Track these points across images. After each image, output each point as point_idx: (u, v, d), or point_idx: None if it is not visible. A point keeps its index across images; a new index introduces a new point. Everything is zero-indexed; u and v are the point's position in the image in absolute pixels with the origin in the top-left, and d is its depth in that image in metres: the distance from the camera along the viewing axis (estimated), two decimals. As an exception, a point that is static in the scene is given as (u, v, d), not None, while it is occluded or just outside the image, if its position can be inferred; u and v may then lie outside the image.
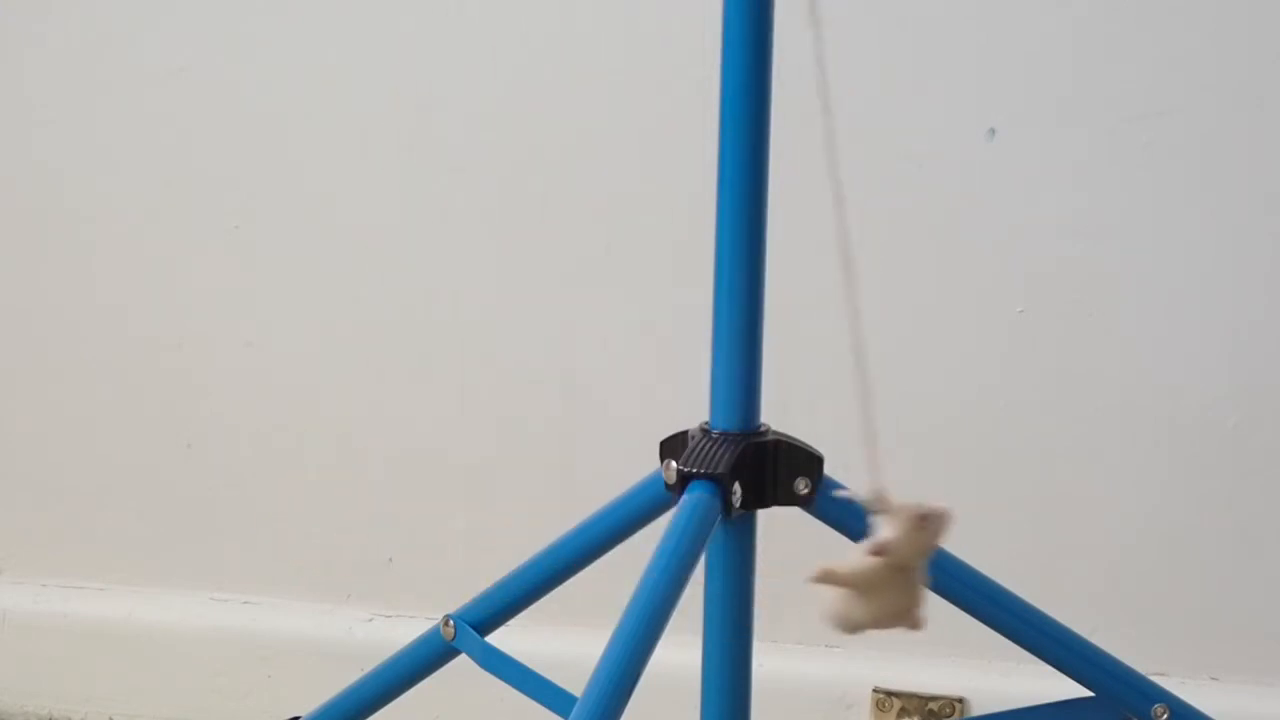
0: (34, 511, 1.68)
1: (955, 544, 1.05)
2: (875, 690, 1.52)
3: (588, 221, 1.53)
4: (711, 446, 0.98)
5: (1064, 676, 1.06)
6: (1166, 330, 1.45)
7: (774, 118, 0.99)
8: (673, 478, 0.98)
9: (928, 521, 0.87)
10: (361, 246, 1.58)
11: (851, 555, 0.86)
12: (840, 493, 0.97)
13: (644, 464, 1.02)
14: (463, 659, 1.11)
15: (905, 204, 1.47)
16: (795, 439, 1.00)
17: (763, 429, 1.00)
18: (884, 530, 0.86)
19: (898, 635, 1.52)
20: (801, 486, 1.00)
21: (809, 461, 1.00)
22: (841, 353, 1.50)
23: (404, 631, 1.24)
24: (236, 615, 1.65)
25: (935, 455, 1.50)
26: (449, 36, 1.53)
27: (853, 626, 0.88)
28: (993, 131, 1.45)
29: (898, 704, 1.51)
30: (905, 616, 0.88)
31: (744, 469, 0.98)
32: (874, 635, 1.53)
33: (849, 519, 1.02)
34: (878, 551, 0.85)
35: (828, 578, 0.87)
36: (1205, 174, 1.43)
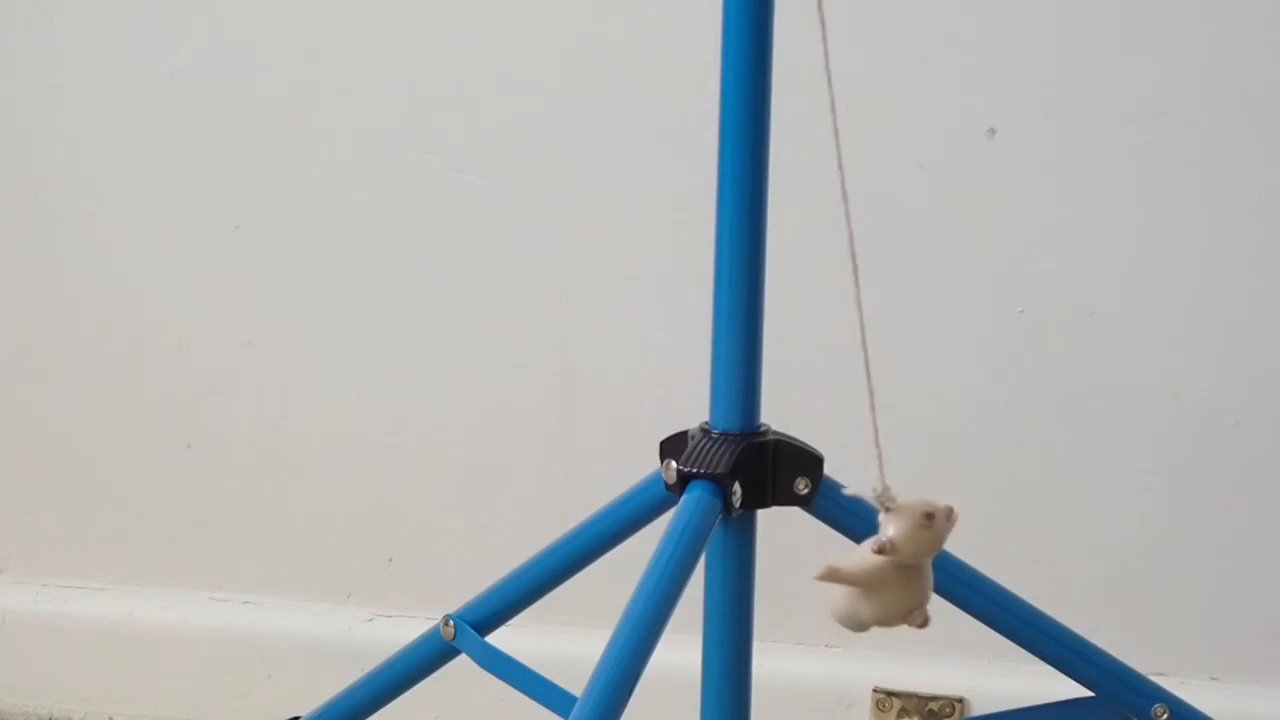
0: (34, 511, 1.68)
1: (955, 544, 1.05)
2: (875, 690, 1.52)
3: (588, 221, 1.53)
4: (711, 446, 0.99)
5: (1064, 676, 1.06)
6: (1166, 330, 1.45)
7: (774, 118, 0.99)
8: (673, 478, 0.98)
9: (933, 520, 0.86)
10: (362, 246, 1.58)
11: (856, 553, 0.86)
12: (848, 491, 0.97)
13: (644, 464, 1.02)
14: (463, 659, 1.11)
15: (905, 204, 1.48)
16: (795, 439, 1.00)
17: (763, 429, 1.00)
18: (889, 528, 0.85)
19: (897, 634, 1.52)
20: (801, 486, 1.00)
21: (809, 461, 1.00)
22: (842, 353, 1.51)
23: (404, 631, 1.24)
24: (236, 615, 1.65)
25: (935, 455, 1.50)
26: (449, 36, 1.54)
27: (859, 624, 0.88)
28: (993, 131, 1.45)
29: (898, 704, 1.51)
30: (911, 614, 0.88)
31: (744, 469, 0.98)
32: (874, 634, 1.53)
33: (849, 519, 1.02)
34: (883, 550, 0.85)
35: (833, 576, 0.86)
36: (1205, 174, 1.43)
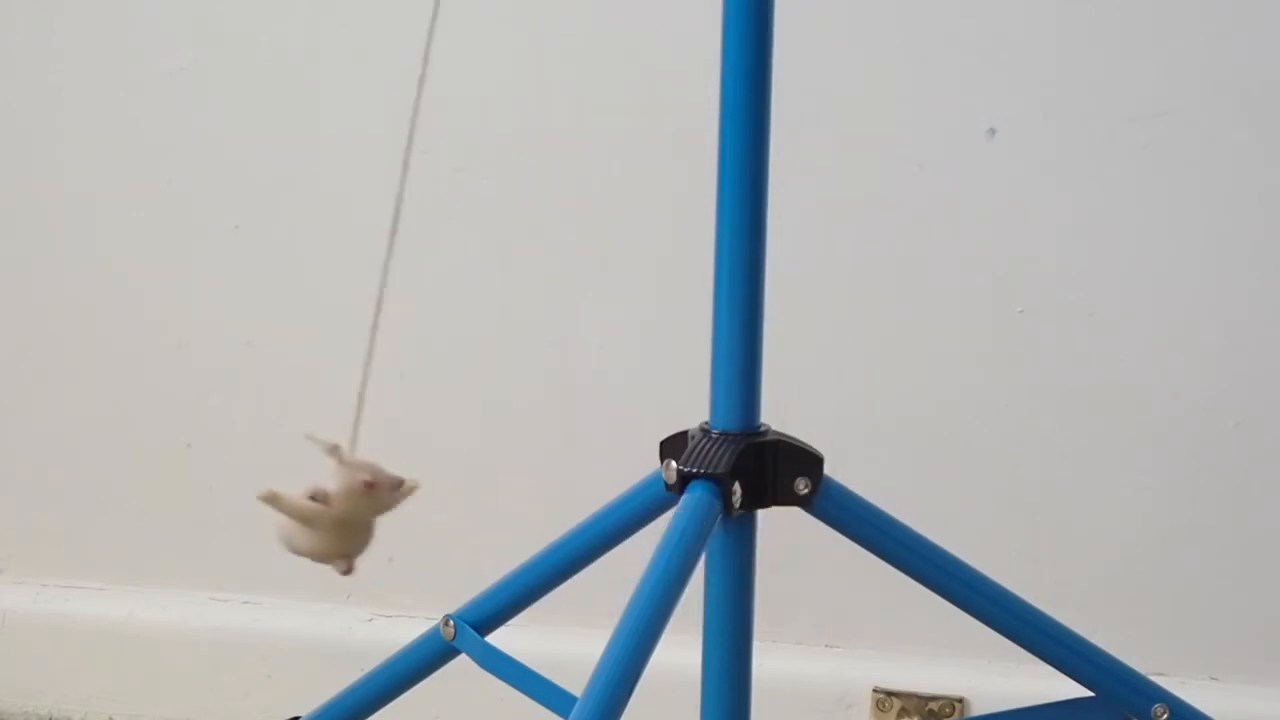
0: (34, 511, 1.68)
1: (956, 544, 1.05)
2: (875, 690, 1.52)
3: (588, 221, 1.53)
4: (711, 446, 0.98)
5: (1064, 676, 1.06)
6: (1166, 330, 1.45)
7: (774, 119, 0.99)
8: (673, 478, 0.98)
9: (374, 489, 0.90)
10: (362, 246, 1.58)
11: (297, 491, 0.89)
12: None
13: (644, 464, 1.02)
14: (463, 659, 1.11)
15: (905, 204, 1.48)
16: (795, 439, 1.00)
17: (763, 429, 1.00)
18: (329, 481, 0.89)
19: (897, 634, 1.53)
20: (801, 486, 1.00)
21: (809, 461, 1.00)
22: (842, 353, 1.51)
23: (404, 631, 1.24)
24: (236, 615, 1.65)
25: (935, 454, 1.50)
26: (449, 36, 1.53)
27: (292, 550, 0.91)
28: (993, 131, 1.45)
29: (898, 704, 1.51)
30: (336, 559, 0.91)
31: (744, 469, 0.98)
32: (874, 634, 1.53)
33: (849, 519, 1.02)
34: (314, 498, 0.88)
35: (272, 501, 0.90)
36: (1205, 174, 1.43)
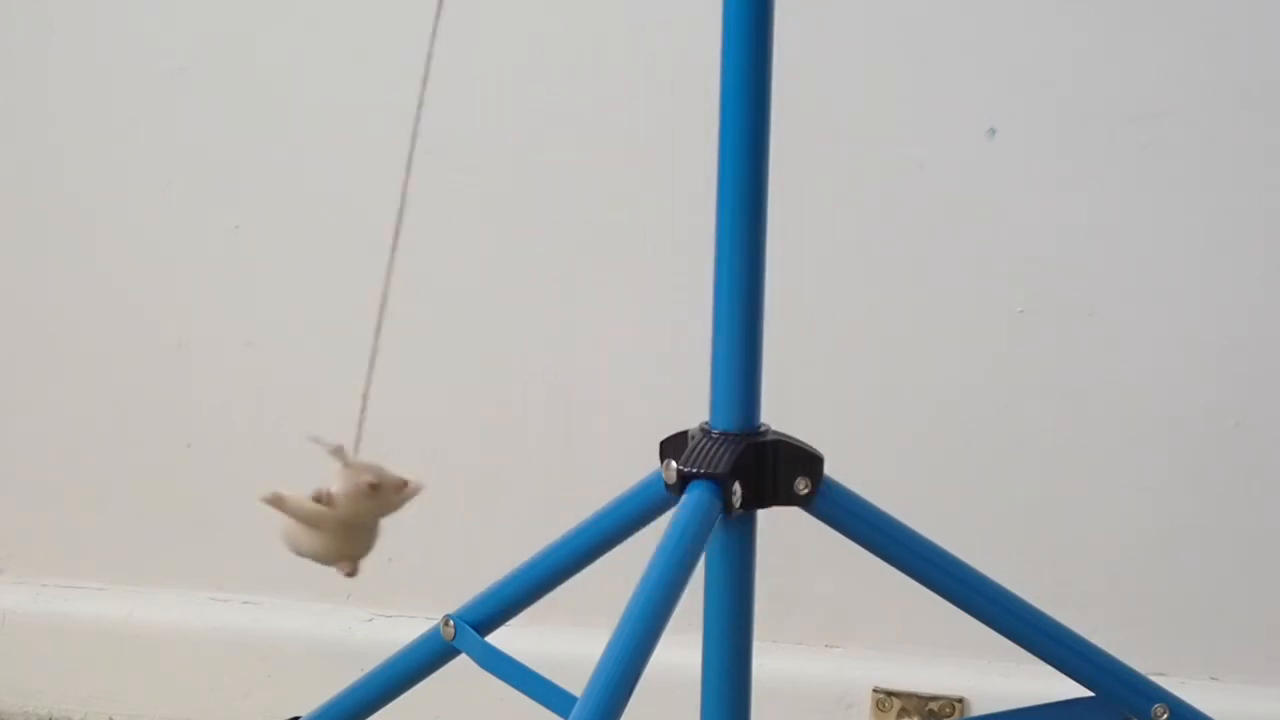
0: (34, 511, 1.68)
1: (956, 544, 1.05)
2: (875, 690, 1.52)
3: (588, 221, 1.53)
4: (711, 446, 0.98)
5: (1064, 676, 1.06)
6: (1166, 330, 1.45)
7: (774, 118, 0.99)
8: (673, 478, 0.98)
9: (378, 490, 0.90)
10: (361, 246, 1.58)
11: (301, 492, 0.89)
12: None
13: (644, 464, 1.02)
14: (463, 659, 1.11)
15: (905, 204, 1.48)
16: (795, 439, 1.00)
17: (763, 429, 1.00)
18: (333, 484, 0.89)
19: (897, 634, 1.53)
20: (801, 486, 1.00)
21: (809, 461, 1.00)
22: (842, 353, 1.51)
23: (404, 631, 1.24)
24: (236, 615, 1.65)
25: (935, 455, 1.50)
26: (450, 36, 1.53)
27: (297, 552, 0.91)
28: (993, 131, 1.45)
29: (898, 704, 1.51)
30: (340, 561, 0.91)
31: (744, 469, 0.98)
32: (874, 634, 1.53)
33: (849, 519, 1.02)
34: (319, 500, 0.88)
35: (276, 504, 0.90)
36: (1204, 174, 1.43)
